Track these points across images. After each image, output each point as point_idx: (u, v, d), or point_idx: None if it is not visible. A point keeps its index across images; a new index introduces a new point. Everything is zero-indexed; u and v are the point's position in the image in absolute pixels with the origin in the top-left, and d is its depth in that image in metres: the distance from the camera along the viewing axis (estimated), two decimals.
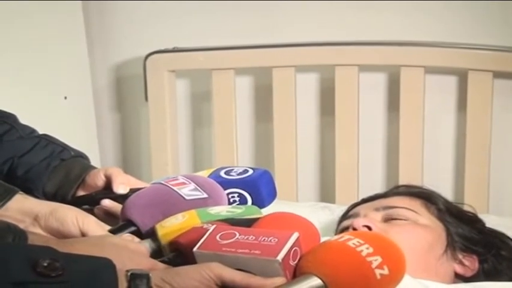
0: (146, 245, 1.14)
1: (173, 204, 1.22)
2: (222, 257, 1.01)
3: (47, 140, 1.53)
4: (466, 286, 1.44)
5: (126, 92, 2.48)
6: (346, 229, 1.55)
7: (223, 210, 1.19)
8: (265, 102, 2.27)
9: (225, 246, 1.03)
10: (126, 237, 1.17)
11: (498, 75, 2.06)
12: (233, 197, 1.33)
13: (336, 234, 1.51)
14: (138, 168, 2.48)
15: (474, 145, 2.08)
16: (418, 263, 1.43)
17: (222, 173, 1.37)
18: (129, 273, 0.94)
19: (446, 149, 2.19)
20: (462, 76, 2.12)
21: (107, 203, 1.37)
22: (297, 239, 1.02)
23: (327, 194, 2.29)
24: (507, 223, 1.81)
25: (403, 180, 1.98)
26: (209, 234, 1.06)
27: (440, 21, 2.14)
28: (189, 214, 1.17)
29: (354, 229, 1.49)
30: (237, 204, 1.31)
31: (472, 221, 1.63)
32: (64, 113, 2.27)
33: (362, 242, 1.02)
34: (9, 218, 1.15)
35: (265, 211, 1.24)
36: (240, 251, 1.01)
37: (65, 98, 2.27)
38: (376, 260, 0.99)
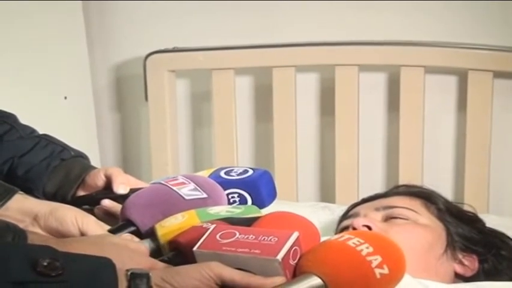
0: (146, 245, 1.14)
1: (173, 204, 1.22)
2: (222, 256, 1.01)
3: (47, 140, 1.53)
4: (466, 286, 1.44)
5: (126, 92, 2.48)
6: (346, 229, 1.55)
7: (222, 210, 1.19)
8: (265, 102, 2.27)
9: (225, 245, 1.03)
10: (126, 237, 1.17)
11: (498, 75, 2.05)
12: (233, 197, 1.33)
13: (336, 233, 1.51)
14: (138, 168, 2.48)
15: (474, 145, 2.08)
16: (418, 263, 1.43)
17: (222, 173, 1.37)
18: (129, 273, 0.94)
19: (446, 149, 2.19)
20: (462, 76, 2.12)
21: (106, 203, 1.37)
22: (297, 239, 1.02)
23: (327, 194, 2.29)
24: (507, 223, 1.81)
25: (403, 180, 1.98)
26: (209, 233, 1.06)
27: (440, 21, 2.14)
28: (189, 214, 1.17)
29: (354, 229, 1.49)
30: (237, 205, 1.31)
31: (472, 220, 1.63)
32: (64, 113, 2.27)
33: (362, 241, 1.02)
34: (9, 218, 1.15)
35: (265, 211, 1.24)
36: (240, 250, 1.01)
37: (65, 98, 2.27)
38: (376, 260, 1.00)
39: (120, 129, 2.52)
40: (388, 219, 1.55)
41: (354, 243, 1.02)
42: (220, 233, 1.05)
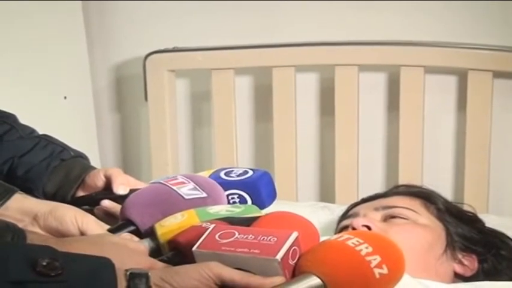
0: (145, 244, 1.14)
1: (172, 203, 1.22)
2: (221, 256, 1.02)
3: (47, 140, 1.53)
4: (466, 286, 1.44)
5: (126, 91, 2.48)
6: (345, 228, 1.55)
7: (222, 209, 1.19)
8: (265, 102, 2.27)
9: (224, 245, 1.03)
10: (125, 236, 1.17)
11: (498, 75, 2.06)
12: (233, 198, 1.33)
13: (335, 233, 1.51)
14: (138, 168, 2.48)
15: (474, 145, 2.08)
16: (417, 263, 1.43)
17: (222, 174, 1.37)
18: (128, 273, 0.94)
19: (446, 149, 2.19)
20: (462, 76, 2.12)
21: (106, 203, 1.37)
22: (296, 238, 1.02)
23: (326, 194, 2.29)
24: (507, 223, 1.81)
25: (403, 180, 1.98)
26: (208, 233, 1.06)
27: (440, 21, 2.14)
28: (188, 213, 1.17)
29: (354, 229, 1.49)
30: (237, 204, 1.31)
31: (471, 220, 1.63)
32: (64, 113, 2.27)
33: (361, 241, 1.02)
34: (9, 218, 1.15)
35: (265, 211, 1.24)
36: (239, 250, 1.01)
37: (65, 98, 2.27)
38: (375, 260, 1.00)
39: (120, 129, 2.52)
40: (387, 219, 1.55)
41: (353, 243, 1.02)
42: (219, 233, 1.05)
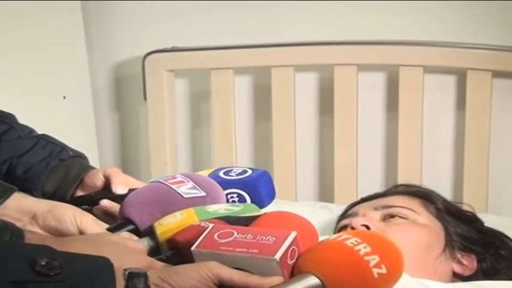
0: (144, 243, 1.14)
1: (171, 202, 1.22)
2: (220, 256, 1.01)
3: (46, 140, 1.53)
4: (466, 285, 1.44)
5: (125, 91, 2.48)
6: (344, 228, 1.55)
7: (221, 208, 1.19)
8: (264, 102, 2.27)
9: (223, 245, 1.03)
10: (125, 235, 1.17)
11: (497, 74, 2.06)
12: (232, 197, 1.33)
13: (334, 233, 1.51)
14: (137, 168, 2.48)
15: (473, 144, 2.08)
16: (416, 262, 1.43)
17: (221, 174, 1.37)
18: (126, 272, 0.94)
19: (445, 149, 2.19)
20: (461, 75, 2.12)
21: (105, 203, 1.37)
22: (295, 238, 1.02)
23: (325, 194, 2.29)
24: (506, 222, 1.82)
25: (402, 179, 1.98)
26: (207, 233, 1.06)
27: (440, 21, 2.14)
28: (187, 212, 1.17)
29: (353, 228, 1.50)
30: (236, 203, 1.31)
31: (470, 220, 1.63)
32: (63, 113, 2.27)
33: (360, 241, 1.02)
34: (7, 217, 1.15)
35: (264, 211, 1.24)
36: (238, 250, 1.01)
37: (64, 97, 2.27)
38: (373, 259, 1.00)
39: (119, 129, 2.52)
40: (386, 218, 1.55)
41: (352, 242, 1.02)
42: (218, 233, 1.05)
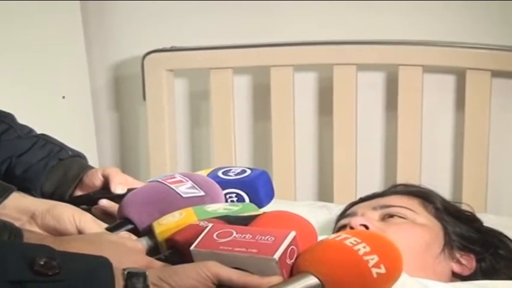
0: (143, 243, 1.14)
1: (170, 202, 1.22)
2: (219, 255, 1.01)
3: (45, 139, 1.53)
4: (465, 285, 1.44)
5: (124, 91, 2.48)
6: (343, 228, 1.55)
7: (220, 207, 1.19)
8: (263, 102, 2.27)
9: (222, 244, 1.03)
10: (123, 235, 1.17)
11: (496, 74, 2.05)
12: (231, 197, 1.33)
13: (333, 233, 1.51)
14: (136, 168, 2.48)
15: (472, 144, 2.08)
16: (415, 262, 1.43)
17: (220, 173, 1.37)
18: (125, 272, 0.94)
19: (445, 148, 2.19)
20: (460, 75, 2.12)
21: (104, 202, 1.37)
22: (294, 238, 1.02)
23: (325, 193, 2.29)
24: (505, 222, 1.82)
25: (401, 179, 1.98)
26: (206, 232, 1.06)
27: (439, 20, 2.14)
28: (186, 212, 1.17)
29: (352, 228, 1.49)
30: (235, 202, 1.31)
31: (469, 220, 1.63)
32: (62, 113, 2.27)
33: (359, 240, 1.02)
34: (6, 216, 1.15)
35: (263, 210, 1.24)
36: (237, 249, 1.01)
37: (63, 97, 2.27)
38: (372, 259, 0.99)
39: (118, 129, 2.52)
40: (385, 218, 1.55)
41: (351, 242, 1.02)
42: (217, 232, 1.05)
